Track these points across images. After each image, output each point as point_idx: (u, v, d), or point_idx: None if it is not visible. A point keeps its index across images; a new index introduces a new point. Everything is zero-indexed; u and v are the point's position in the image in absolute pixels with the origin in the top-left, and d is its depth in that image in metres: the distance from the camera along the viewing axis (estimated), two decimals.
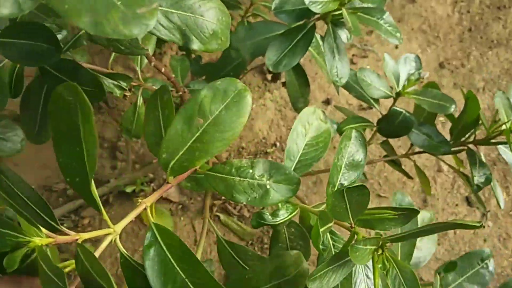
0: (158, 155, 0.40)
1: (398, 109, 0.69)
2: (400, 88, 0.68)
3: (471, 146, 0.69)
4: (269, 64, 0.58)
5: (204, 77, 0.82)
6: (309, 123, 0.47)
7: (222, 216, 1.07)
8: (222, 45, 0.41)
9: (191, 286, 0.29)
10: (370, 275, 0.39)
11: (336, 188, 0.40)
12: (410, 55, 0.72)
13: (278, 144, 1.23)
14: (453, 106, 0.65)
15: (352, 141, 0.41)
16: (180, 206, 1.09)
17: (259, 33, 0.67)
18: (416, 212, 0.39)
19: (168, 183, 0.38)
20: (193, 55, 0.89)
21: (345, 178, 0.41)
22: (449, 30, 1.48)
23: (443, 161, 0.75)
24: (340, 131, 0.67)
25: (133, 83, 0.56)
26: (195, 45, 0.39)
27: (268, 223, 0.40)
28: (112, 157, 1.13)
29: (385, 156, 0.84)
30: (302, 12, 0.60)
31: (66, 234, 0.26)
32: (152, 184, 1.11)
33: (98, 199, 0.27)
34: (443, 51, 1.45)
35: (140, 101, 0.60)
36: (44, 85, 0.50)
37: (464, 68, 1.41)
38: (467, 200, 1.19)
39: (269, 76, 1.28)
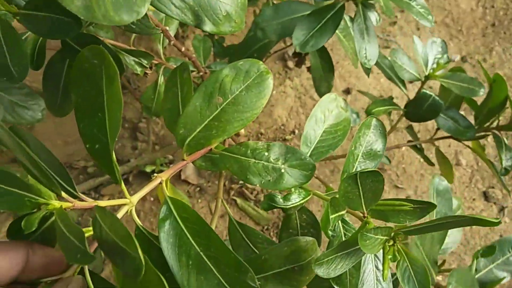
0: (175, 131, 0.41)
1: (428, 92, 0.68)
2: (429, 71, 0.67)
3: (494, 131, 0.69)
4: (297, 43, 0.57)
5: (226, 59, 0.82)
6: (329, 110, 0.46)
7: (239, 200, 1.08)
8: (236, 27, 0.40)
9: (205, 259, 0.29)
10: (380, 266, 0.39)
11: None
12: (436, 39, 0.71)
13: (296, 131, 1.22)
14: (482, 89, 0.64)
15: (372, 129, 0.40)
16: (198, 188, 1.10)
17: (285, 13, 0.66)
18: (434, 206, 0.38)
19: (183, 159, 0.38)
20: (216, 37, 0.88)
21: (361, 167, 0.40)
22: (472, 24, 1.44)
23: (468, 146, 0.74)
24: (369, 113, 0.67)
25: (154, 61, 0.56)
26: (207, 27, 0.39)
27: (279, 206, 0.40)
28: (133, 138, 1.14)
29: (409, 142, 0.83)
30: None
31: (84, 201, 0.27)
32: (171, 166, 1.13)
33: (117, 168, 0.27)
34: (466, 45, 1.41)
35: (161, 79, 0.60)
36: (66, 58, 0.51)
37: (485, 63, 1.37)
38: (485, 195, 1.17)
39: (291, 63, 1.27)
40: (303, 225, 0.50)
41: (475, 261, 0.49)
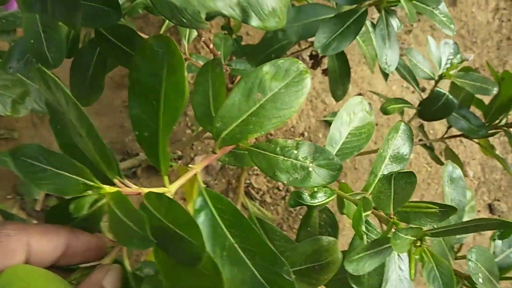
0: (210, 124, 0.41)
1: (441, 90, 0.69)
2: (442, 70, 0.69)
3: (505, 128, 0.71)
4: (318, 46, 0.58)
5: (244, 58, 0.82)
6: (354, 113, 0.47)
7: (244, 200, 1.09)
8: (279, 23, 0.41)
9: (240, 251, 0.29)
10: (403, 266, 0.39)
11: (377, 179, 0.41)
12: (449, 41, 0.73)
13: (306, 134, 1.23)
14: (495, 88, 0.65)
15: (400, 133, 0.41)
16: (205, 186, 1.11)
17: (307, 16, 0.67)
18: (455, 210, 0.39)
19: (214, 153, 0.39)
20: (234, 35, 0.89)
21: (388, 169, 0.41)
22: (487, 37, 1.45)
23: (479, 144, 0.75)
24: (384, 110, 0.68)
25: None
26: (254, 22, 0.39)
27: (306, 203, 0.41)
28: None
29: (420, 140, 0.84)
30: None
31: (129, 187, 0.27)
32: (180, 162, 1.14)
33: (164, 160, 0.27)
34: (479, 57, 1.42)
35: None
36: (97, 48, 0.51)
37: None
38: (490, 207, 1.18)
39: (309, 62, 1.28)
40: (321, 224, 0.50)
41: (492, 244, 0.49)
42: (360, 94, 1.29)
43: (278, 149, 0.41)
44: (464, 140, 1.25)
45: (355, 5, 0.64)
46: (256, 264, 0.30)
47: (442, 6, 0.63)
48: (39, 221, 1.04)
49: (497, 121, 0.71)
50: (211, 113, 0.44)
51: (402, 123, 0.41)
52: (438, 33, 1.45)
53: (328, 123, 1.25)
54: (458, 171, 0.54)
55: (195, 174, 0.35)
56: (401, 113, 0.77)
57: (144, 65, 0.26)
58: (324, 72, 1.13)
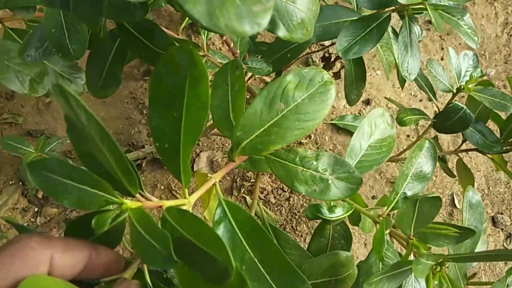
0: (228, 129, 0.40)
1: (459, 104, 0.68)
2: (462, 83, 0.67)
3: None
4: (339, 49, 0.57)
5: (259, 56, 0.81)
6: (376, 125, 0.46)
7: (248, 198, 1.08)
8: (306, 35, 0.40)
9: (258, 264, 0.28)
10: None
11: (398, 197, 0.39)
12: (468, 52, 0.71)
13: (312, 136, 1.22)
14: None
15: (424, 151, 0.40)
16: None
17: (328, 17, 0.65)
18: (474, 232, 0.38)
19: (233, 161, 0.38)
20: None
21: (409, 188, 0.40)
22: (495, 50, 1.44)
23: (493, 160, 0.74)
24: (399, 121, 0.67)
25: (200, 53, 0.55)
26: (281, 32, 0.38)
27: (324, 217, 0.40)
28: None
29: None
30: (384, 0, 0.59)
31: (150, 200, 0.26)
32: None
33: (186, 173, 0.26)
34: (487, 70, 1.41)
35: None
36: (117, 40, 0.50)
37: (505, 89, 1.37)
38: (493, 220, 1.17)
39: (320, 65, 1.26)
40: (335, 236, 0.49)
41: (508, 278, 0.48)
42: (367, 100, 1.28)
43: (297, 159, 0.40)
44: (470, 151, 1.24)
45: (377, 10, 0.63)
46: (275, 279, 0.29)
47: (467, 18, 0.62)
48: (39, 208, 1.03)
49: None
50: (230, 117, 0.43)
51: (427, 141, 0.40)
52: (447, 43, 1.43)
53: (335, 126, 1.24)
54: (477, 197, 0.53)
55: (214, 184, 0.34)
56: (416, 124, 0.76)
57: (166, 76, 0.25)
58: (336, 75, 1.11)
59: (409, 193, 0.39)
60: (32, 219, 1.01)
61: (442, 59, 1.37)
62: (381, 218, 0.39)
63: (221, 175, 0.35)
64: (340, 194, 0.39)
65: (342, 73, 0.99)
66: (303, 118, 0.35)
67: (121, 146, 1.11)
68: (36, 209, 1.02)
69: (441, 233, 0.37)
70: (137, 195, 0.25)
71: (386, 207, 0.39)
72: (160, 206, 0.25)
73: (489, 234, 1.14)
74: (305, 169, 0.39)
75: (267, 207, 1.09)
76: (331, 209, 0.40)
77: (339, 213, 0.40)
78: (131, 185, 0.24)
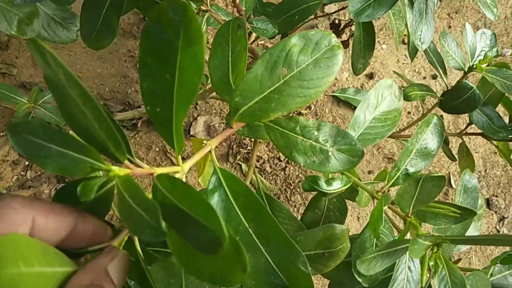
0: (227, 93, 0.38)
1: (469, 83, 0.65)
2: (475, 62, 0.64)
3: None
4: (352, 11, 0.54)
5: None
6: (383, 96, 0.44)
7: (243, 166, 1.07)
8: None
9: (253, 235, 0.27)
10: (412, 267, 0.38)
11: (399, 173, 0.38)
12: (487, 31, 0.67)
13: (312, 107, 1.19)
14: None
15: (431, 127, 0.38)
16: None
17: None
18: (474, 213, 0.37)
19: (231, 127, 0.36)
20: None
21: (412, 164, 0.38)
22: (503, 32, 1.40)
23: (496, 145, 0.72)
24: (405, 95, 0.64)
25: (202, 7, 0.52)
26: None
27: (321, 189, 0.38)
28: None
29: None
30: None
31: (140, 167, 0.24)
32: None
33: (178, 139, 0.24)
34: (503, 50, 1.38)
35: (203, 27, 0.56)
36: None
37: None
38: (488, 202, 1.18)
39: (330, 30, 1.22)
40: (330, 208, 0.48)
41: (492, 267, 0.48)
42: (371, 73, 1.25)
43: (298, 128, 0.38)
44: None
45: None
46: (270, 251, 0.28)
47: None
48: (30, 162, 1.01)
49: None
50: (229, 81, 0.41)
51: (435, 117, 0.38)
52: (455, 22, 1.39)
53: (336, 98, 1.21)
54: (474, 181, 0.51)
55: (210, 151, 0.32)
56: (423, 101, 0.73)
57: (157, 32, 0.22)
58: (344, 44, 1.07)
59: (411, 170, 0.38)
60: (22, 173, 1.00)
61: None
62: (379, 194, 0.38)
63: (217, 142, 0.33)
64: (339, 166, 0.38)
65: (351, 42, 0.96)
66: (307, 85, 0.32)
67: (116, 104, 1.08)
68: (26, 163, 1.01)
69: (441, 213, 0.36)
70: (126, 161, 0.23)
71: (386, 183, 0.38)
72: (151, 174, 0.24)
73: (483, 216, 1.14)
74: (305, 139, 0.37)
75: (262, 176, 1.08)
76: (328, 181, 0.38)
77: (337, 186, 0.39)
78: (118, 151, 0.22)
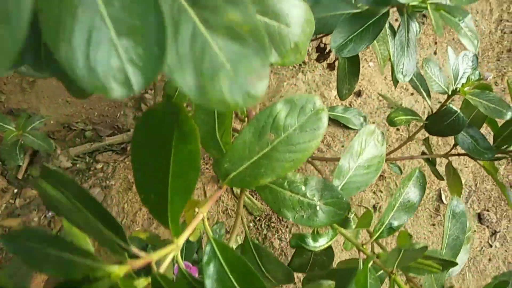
0: (215, 151, 0.39)
1: (453, 107, 0.66)
2: (458, 85, 0.65)
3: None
4: (334, 46, 0.54)
5: None
6: (366, 142, 0.45)
7: (234, 188, 1.08)
8: (299, 59, 0.38)
9: None
10: None
11: (383, 227, 0.39)
12: (468, 53, 0.68)
13: None
14: (510, 112, 0.61)
15: (413, 181, 0.39)
16: None
17: (325, 9, 0.62)
18: (454, 264, 0.38)
19: (220, 188, 0.37)
20: None
21: (395, 217, 0.39)
22: (488, 47, 1.43)
23: (484, 166, 0.73)
24: (390, 121, 0.65)
25: None
26: (273, 58, 0.36)
27: (307, 247, 0.39)
28: (137, 108, 1.11)
29: (423, 153, 0.82)
30: None
31: (137, 257, 0.24)
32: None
33: (177, 223, 0.25)
34: (479, 66, 1.40)
35: None
36: None
37: (496, 87, 1.37)
38: (479, 217, 1.19)
39: (307, 57, 1.23)
40: (317, 252, 0.49)
41: None
42: (359, 91, 1.26)
43: (285, 183, 0.39)
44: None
45: (377, 6, 0.60)
46: None
47: (468, 19, 0.58)
48: (19, 190, 1.01)
49: (506, 146, 0.67)
50: (216, 136, 0.41)
51: (418, 170, 0.39)
52: (441, 38, 1.41)
53: None
54: (461, 206, 0.52)
55: (202, 219, 0.33)
56: (408, 125, 0.75)
57: (150, 130, 0.23)
58: (330, 66, 1.09)
59: (395, 224, 0.39)
60: (11, 201, 0.99)
61: (435, 53, 1.35)
62: (365, 247, 0.39)
63: (207, 208, 0.34)
64: (327, 220, 0.39)
65: (337, 64, 0.97)
66: (294, 150, 0.33)
67: (105, 128, 1.08)
68: (15, 190, 1.00)
69: (424, 268, 0.37)
70: (130, 260, 0.24)
71: (370, 238, 0.39)
72: (150, 262, 0.24)
73: (475, 231, 1.16)
74: (293, 194, 0.38)
75: (253, 196, 1.09)
76: (315, 237, 0.39)
77: (323, 242, 0.39)
78: (118, 252, 0.22)
